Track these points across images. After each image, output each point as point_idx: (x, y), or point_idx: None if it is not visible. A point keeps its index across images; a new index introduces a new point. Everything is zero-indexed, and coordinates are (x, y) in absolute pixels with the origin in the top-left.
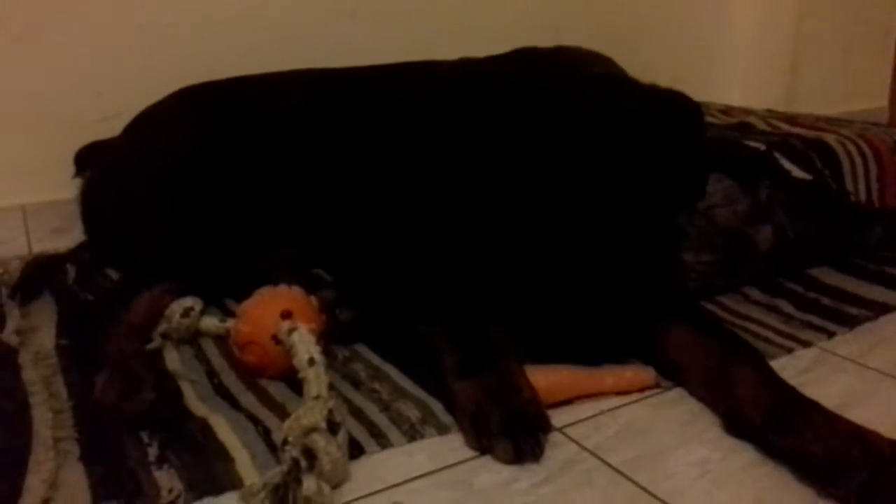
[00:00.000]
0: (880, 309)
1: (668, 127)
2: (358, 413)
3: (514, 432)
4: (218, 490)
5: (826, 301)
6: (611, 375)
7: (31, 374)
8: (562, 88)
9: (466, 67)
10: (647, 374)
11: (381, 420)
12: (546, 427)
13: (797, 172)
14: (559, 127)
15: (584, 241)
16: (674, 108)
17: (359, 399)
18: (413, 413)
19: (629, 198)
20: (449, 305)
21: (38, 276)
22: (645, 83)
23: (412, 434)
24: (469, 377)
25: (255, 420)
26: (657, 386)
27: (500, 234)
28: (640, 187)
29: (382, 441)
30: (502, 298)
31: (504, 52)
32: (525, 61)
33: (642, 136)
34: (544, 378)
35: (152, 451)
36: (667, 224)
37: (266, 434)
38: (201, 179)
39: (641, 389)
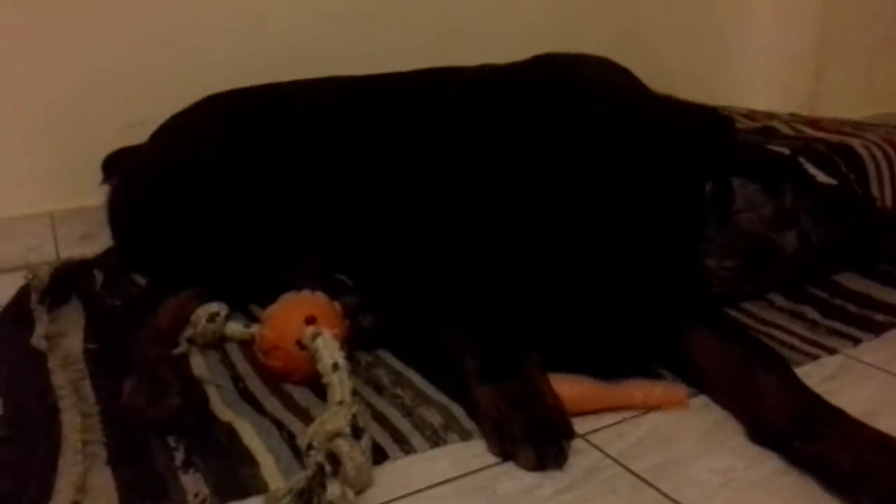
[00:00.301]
0: None
1: (693, 143)
2: (381, 418)
3: (537, 439)
4: (243, 494)
5: (852, 307)
6: (640, 390)
7: (59, 379)
8: (586, 103)
9: (491, 75)
10: (678, 391)
11: (403, 425)
12: (569, 434)
13: (822, 177)
14: (583, 141)
15: (604, 253)
16: (701, 125)
17: (381, 404)
18: (436, 419)
19: (649, 213)
20: (472, 312)
21: (67, 281)
22: (670, 98)
23: (435, 440)
24: (491, 382)
25: (279, 424)
26: (686, 404)
27: (523, 243)
28: (662, 203)
29: (405, 447)
30: (526, 305)
31: (523, 60)
32: (546, 72)
33: (666, 153)
34: (569, 388)
35: (179, 456)
36: (690, 237)
37: (290, 438)
38: (228, 186)
39: (671, 407)
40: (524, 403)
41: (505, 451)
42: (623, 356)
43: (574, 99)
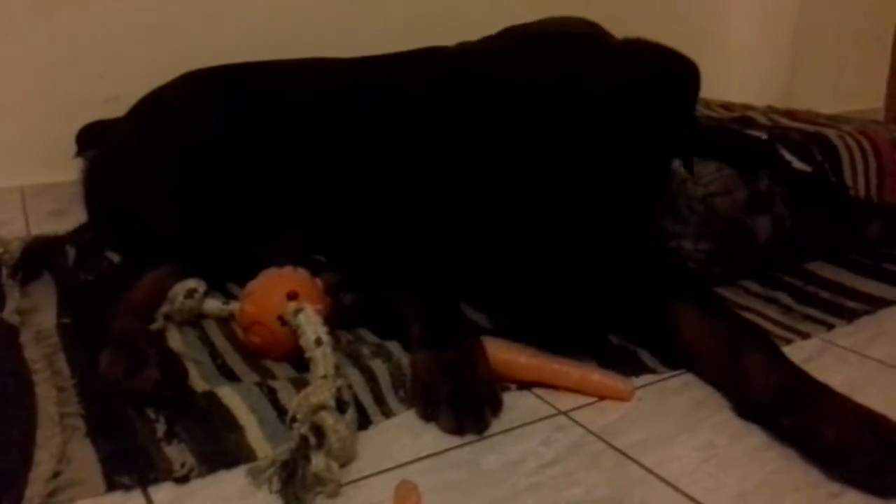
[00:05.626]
0: (878, 303)
1: (651, 89)
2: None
3: (459, 405)
4: (230, 463)
5: (825, 294)
6: (578, 371)
7: (33, 353)
8: (541, 59)
9: (460, 56)
10: (622, 384)
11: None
12: (495, 406)
13: (797, 164)
14: (541, 104)
15: (569, 216)
16: (659, 70)
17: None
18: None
19: (611, 162)
20: (426, 282)
21: (39, 256)
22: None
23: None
24: (428, 348)
25: (259, 385)
26: (629, 399)
27: (490, 217)
28: (620, 152)
29: (385, 409)
30: (499, 278)
31: (495, 34)
32: (515, 37)
33: (623, 99)
34: (502, 354)
35: (160, 427)
36: (655, 187)
37: (271, 394)
38: (207, 162)
39: (611, 397)
40: (454, 370)
41: (428, 414)
42: (585, 328)
43: (527, 63)
